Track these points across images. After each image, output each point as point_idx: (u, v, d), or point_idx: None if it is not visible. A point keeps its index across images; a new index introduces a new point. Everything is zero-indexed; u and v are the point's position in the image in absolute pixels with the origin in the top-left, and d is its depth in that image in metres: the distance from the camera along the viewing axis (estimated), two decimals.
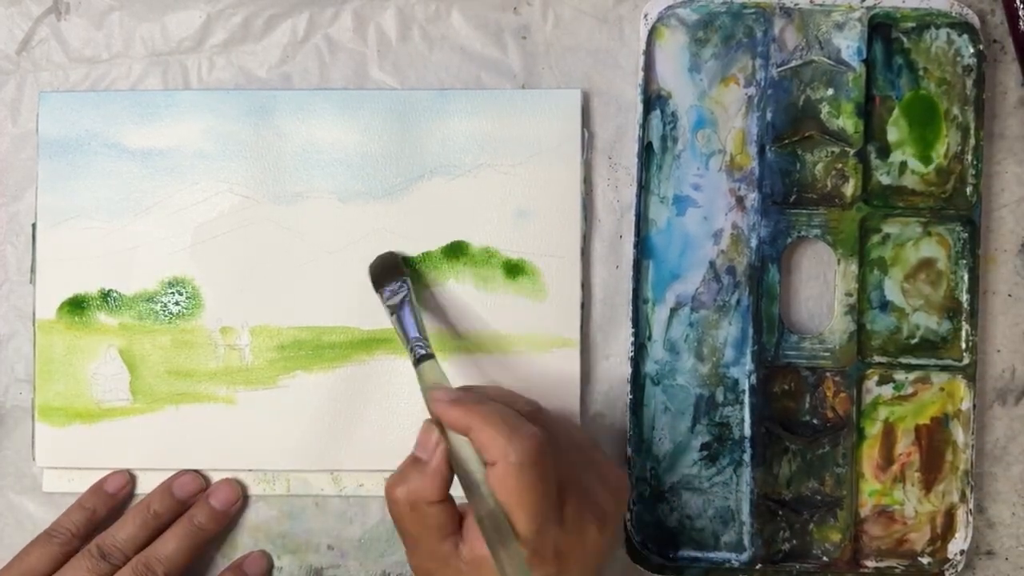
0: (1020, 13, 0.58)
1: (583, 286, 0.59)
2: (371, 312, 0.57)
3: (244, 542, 0.59)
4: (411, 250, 0.58)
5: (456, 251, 0.58)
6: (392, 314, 0.54)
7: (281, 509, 0.59)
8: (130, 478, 0.58)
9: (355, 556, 0.59)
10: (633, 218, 0.58)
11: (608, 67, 0.59)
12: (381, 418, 0.58)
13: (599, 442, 0.57)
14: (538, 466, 0.45)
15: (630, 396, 0.58)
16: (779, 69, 0.58)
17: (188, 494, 0.58)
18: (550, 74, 0.59)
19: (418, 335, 0.52)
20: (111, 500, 0.57)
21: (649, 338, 0.58)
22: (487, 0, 0.59)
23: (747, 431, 0.58)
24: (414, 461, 0.49)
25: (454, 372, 0.58)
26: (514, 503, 0.45)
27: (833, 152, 0.58)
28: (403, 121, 0.58)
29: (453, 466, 0.48)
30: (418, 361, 0.52)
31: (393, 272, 0.56)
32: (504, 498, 0.45)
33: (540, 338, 0.58)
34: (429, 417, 0.49)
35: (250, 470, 0.59)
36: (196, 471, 0.58)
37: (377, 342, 0.58)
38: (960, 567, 0.58)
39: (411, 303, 0.54)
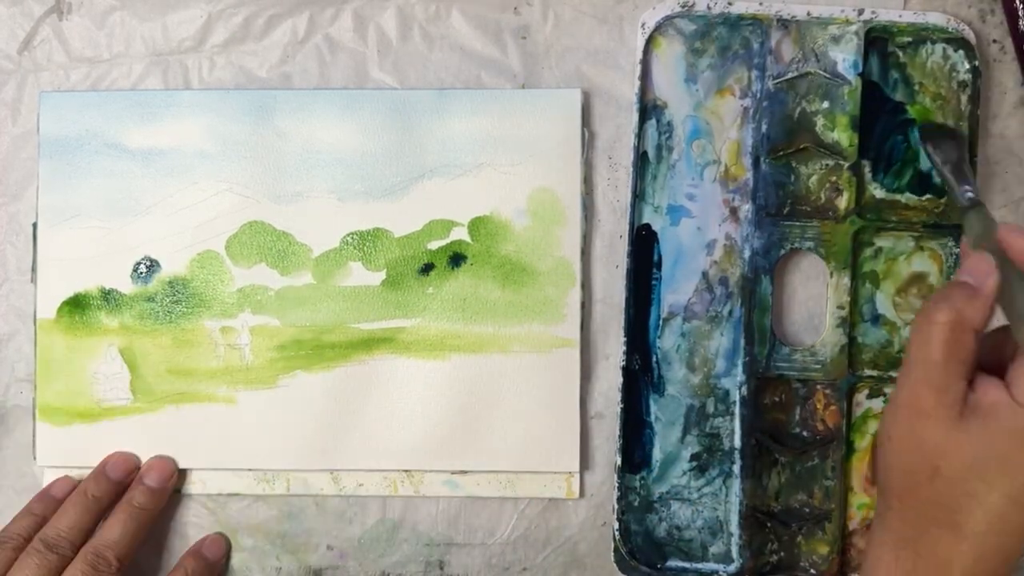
0: (1020, 13, 0.60)
1: (583, 286, 0.61)
2: (371, 311, 0.61)
3: (244, 542, 0.62)
4: (411, 249, 0.61)
5: (456, 251, 0.61)
6: (946, 164, 0.57)
7: (281, 509, 0.62)
8: (76, 482, 0.60)
9: (355, 556, 0.62)
10: (628, 225, 0.60)
11: (608, 67, 0.61)
12: (381, 418, 0.61)
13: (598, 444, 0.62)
14: None
15: (621, 405, 0.60)
16: (775, 81, 0.60)
17: (123, 474, 0.60)
18: (550, 74, 0.61)
19: (970, 184, 0.55)
20: (59, 505, 0.59)
21: (640, 347, 0.61)
22: (487, 0, 0.61)
23: (737, 442, 0.60)
24: (960, 286, 0.49)
25: (455, 372, 0.61)
26: None
27: (827, 165, 0.60)
28: (403, 121, 0.61)
29: (1003, 301, 0.49)
30: (967, 208, 0.53)
31: (951, 136, 0.58)
32: None
33: (540, 338, 0.61)
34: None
35: (250, 470, 0.61)
36: (127, 452, 0.61)
37: (377, 342, 0.61)
38: None
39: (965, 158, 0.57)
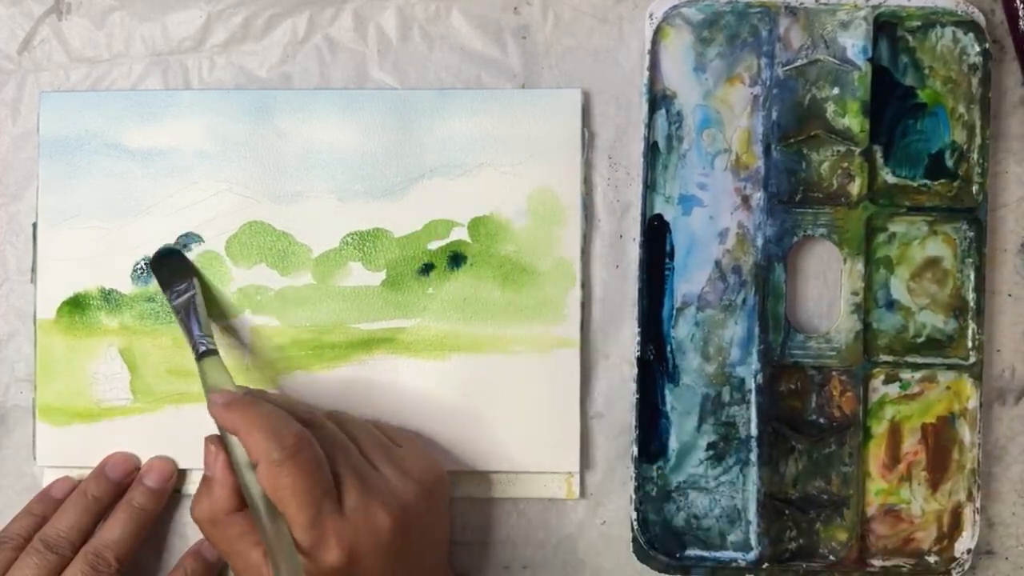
0: (1020, 13, 0.61)
1: (583, 286, 0.61)
2: (371, 311, 0.61)
3: None
4: (411, 249, 0.62)
5: (456, 251, 0.61)
6: (178, 313, 0.58)
7: None
8: (75, 483, 0.61)
9: None
10: (638, 217, 0.60)
11: (608, 67, 0.62)
12: (381, 418, 0.60)
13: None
14: (299, 460, 0.50)
15: (636, 396, 0.60)
16: (784, 68, 0.60)
17: (122, 474, 0.60)
18: (550, 74, 0.62)
19: (201, 332, 0.57)
20: (58, 505, 0.59)
21: (655, 337, 0.61)
22: (487, 0, 0.62)
23: (753, 430, 0.60)
24: (203, 480, 0.54)
25: (455, 372, 0.61)
26: (280, 498, 0.50)
27: (839, 151, 0.60)
28: (403, 121, 0.61)
29: (235, 472, 0.53)
30: (201, 356, 0.56)
31: (180, 273, 0.60)
32: (272, 495, 0.50)
33: (540, 338, 0.61)
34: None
35: None
36: (127, 452, 0.61)
37: (377, 342, 0.61)
38: (967, 566, 0.60)
39: (196, 303, 0.58)
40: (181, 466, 0.61)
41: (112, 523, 0.58)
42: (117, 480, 0.60)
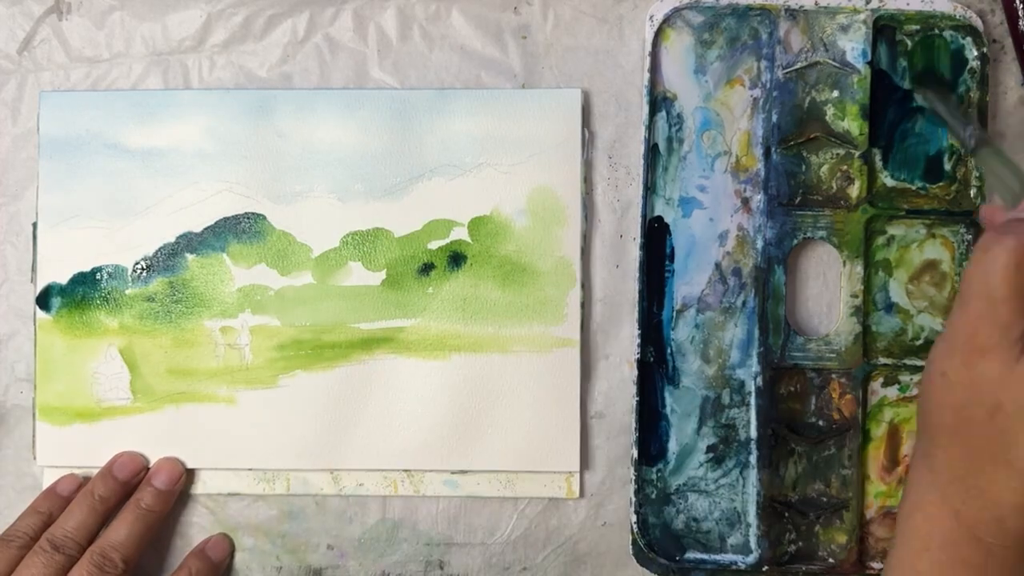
0: (1020, 13, 0.61)
1: (583, 286, 0.62)
2: (371, 311, 0.62)
3: (244, 541, 0.62)
4: (411, 249, 0.62)
5: (456, 251, 0.62)
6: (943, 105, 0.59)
7: (281, 509, 0.62)
8: (81, 480, 0.61)
9: (355, 556, 0.62)
10: (639, 219, 0.61)
11: (608, 67, 0.62)
12: (381, 418, 0.61)
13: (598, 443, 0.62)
14: None
15: (636, 398, 0.61)
16: (784, 71, 0.61)
17: (130, 474, 0.61)
18: (550, 74, 0.63)
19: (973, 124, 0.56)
20: (64, 503, 0.60)
21: (655, 340, 0.61)
22: (487, 0, 0.63)
23: (753, 433, 0.60)
24: (1020, 222, 0.48)
25: (455, 372, 0.61)
26: None
27: (838, 154, 0.61)
28: (403, 121, 0.62)
29: None
30: (978, 147, 0.55)
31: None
32: None
33: (540, 338, 0.61)
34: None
35: (250, 469, 0.62)
36: (134, 452, 0.61)
37: (377, 342, 0.61)
38: None
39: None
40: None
41: (119, 523, 0.59)
42: (124, 480, 0.61)
